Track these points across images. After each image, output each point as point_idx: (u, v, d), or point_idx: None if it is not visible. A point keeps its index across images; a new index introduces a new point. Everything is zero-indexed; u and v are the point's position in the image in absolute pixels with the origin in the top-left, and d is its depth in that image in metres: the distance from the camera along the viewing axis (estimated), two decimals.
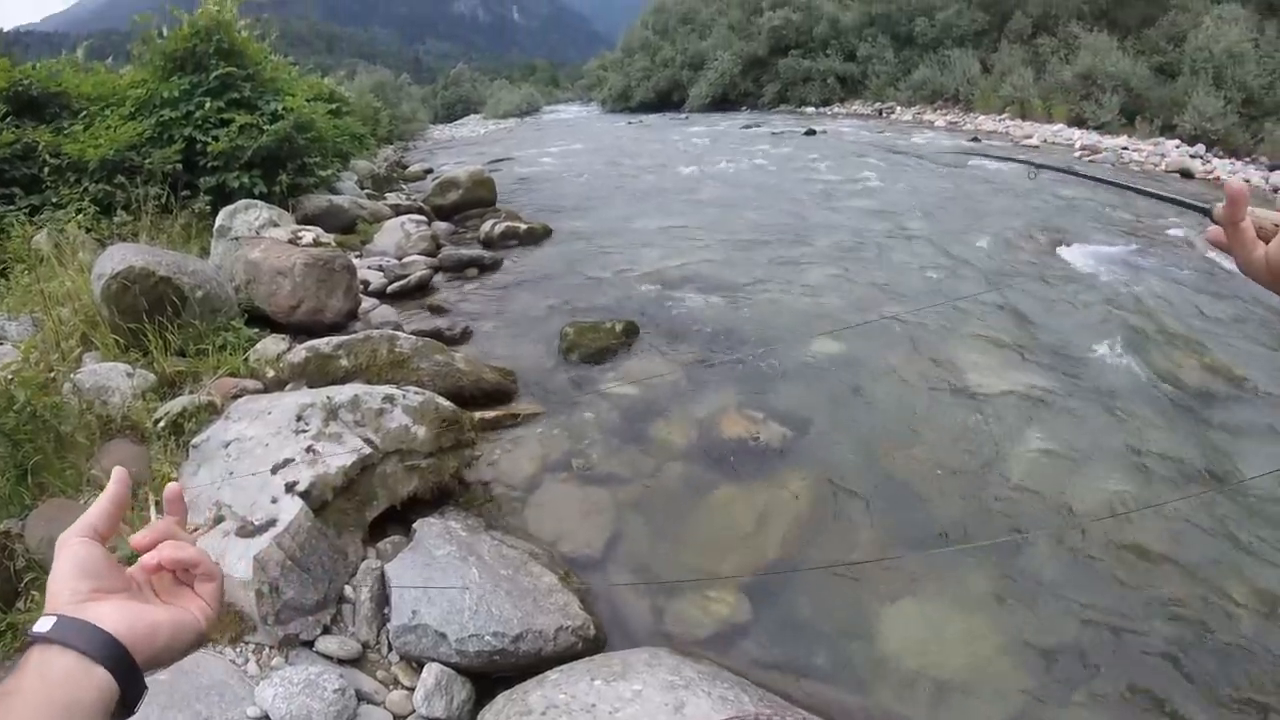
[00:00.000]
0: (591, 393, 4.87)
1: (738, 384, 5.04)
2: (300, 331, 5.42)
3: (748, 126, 22.69)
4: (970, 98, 25.43)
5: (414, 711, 2.71)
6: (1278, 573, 3.64)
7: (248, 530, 2.98)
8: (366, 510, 3.43)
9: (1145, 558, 3.71)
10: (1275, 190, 15.22)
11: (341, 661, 2.81)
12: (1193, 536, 3.87)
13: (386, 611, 3.03)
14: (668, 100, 38.25)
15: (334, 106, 12.80)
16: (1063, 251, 8.53)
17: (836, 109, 30.41)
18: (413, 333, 5.38)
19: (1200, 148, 17.49)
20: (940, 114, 25.31)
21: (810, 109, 30.94)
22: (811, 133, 19.58)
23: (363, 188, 12.25)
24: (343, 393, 3.78)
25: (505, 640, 2.85)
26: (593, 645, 2.99)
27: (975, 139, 19.15)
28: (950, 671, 3.10)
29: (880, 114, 27.62)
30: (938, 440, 4.55)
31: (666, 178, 12.92)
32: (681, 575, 3.48)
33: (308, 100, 9.79)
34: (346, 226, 8.91)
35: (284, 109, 8.64)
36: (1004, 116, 23.03)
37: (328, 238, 7.00)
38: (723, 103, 34.68)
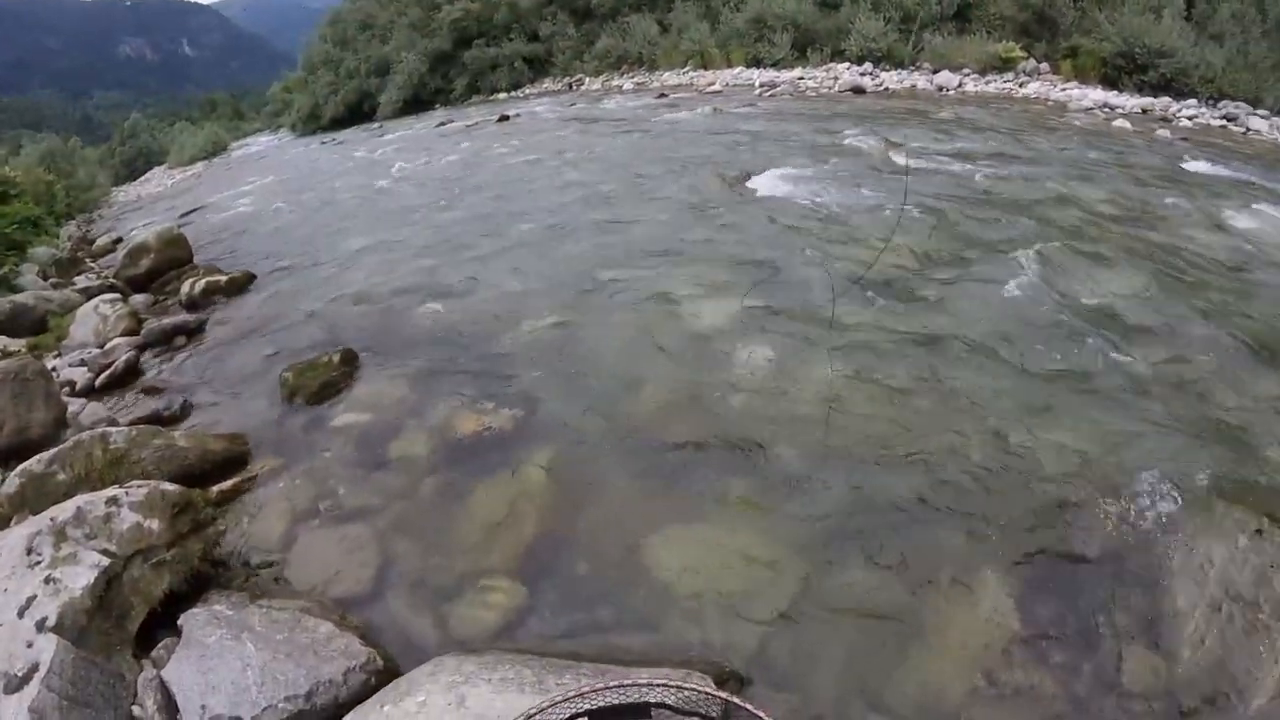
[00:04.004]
0: (325, 431, 4.69)
1: (463, 383, 5.05)
2: (11, 457, 4.79)
3: (442, 124, 22.39)
4: (654, 58, 26.54)
5: None
6: (994, 410, 4.27)
7: (13, 684, 2.73)
8: (128, 623, 3.20)
9: (878, 427, 4.19)
10: (940, 89, 17.15)
11: None
12: (915, 397, 4.44)
13: (179, 718, 2.85)
14: (359, 112, 36.85)
15: None
16: (753, 180, 9.20)
17: (528, 90, 30.74)
18: (129, 423, 4.93)
19: (869, 65, 19.38)
20: (627, 77, 26.25)
21: (502, 95, 31.07)
22: (505, 118, 19.64)
23: (46, 277, 10.92)
24: (65, 510, 3.44)
25: (299, 701, 2.80)
26: (385, 675, 2.97)
27: (663, 94, 20.00)
28: (730, 583, 3.33)
29: (570, 88, 28.20)
30: (666, 380, 4.84)
31: (364, 194, 12.52)
32: (454, 580, 3.48)
33: None
34: (36, 325, 7.95)
35: None
36: (687, 69, 24.26)
37: (17, 344, 6.26)
38: (415, 104, 33.90)
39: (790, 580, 3.32)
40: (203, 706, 2.80)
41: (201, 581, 3.55)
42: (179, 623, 3.20)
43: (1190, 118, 14.57)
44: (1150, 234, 7.01)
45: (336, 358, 5.42)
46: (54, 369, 6.07)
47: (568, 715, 2.03)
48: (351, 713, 2.74)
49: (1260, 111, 14.98)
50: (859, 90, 17.36)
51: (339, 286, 7.37)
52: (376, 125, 31.31)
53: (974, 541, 3.43)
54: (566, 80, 29.47)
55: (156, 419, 5.19)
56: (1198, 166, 9.88)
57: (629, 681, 2.10)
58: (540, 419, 4.55)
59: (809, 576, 3.33)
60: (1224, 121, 14.44)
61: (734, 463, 4.02)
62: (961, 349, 4.93)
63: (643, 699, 2.07)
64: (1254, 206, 8.00)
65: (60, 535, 3.34)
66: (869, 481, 3.80)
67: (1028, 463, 3.86)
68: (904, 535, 3.48)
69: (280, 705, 2.77)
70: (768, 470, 3.94)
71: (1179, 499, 3.55)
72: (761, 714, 1.95)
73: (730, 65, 22.74)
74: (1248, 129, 14.01)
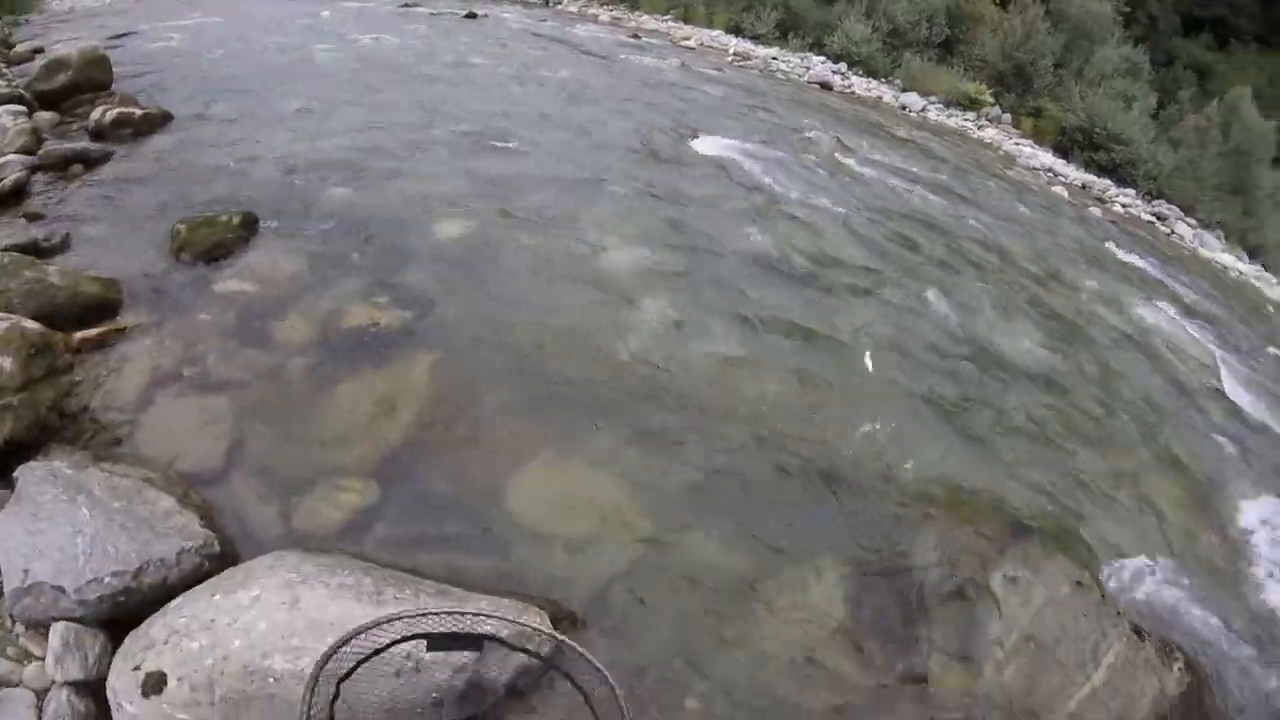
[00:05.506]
0: (206, 294, 4.44)
1: (361, 272, 4.88)
2: None
3: (406, 4, 21.43)
4: None
5: (53, 681, 2.48)
6: (875, 418, 4.44)
7: None
8: None
9: (761, 408, 4.29)
10: (903, 108, 17.45)
11: None
12: (803, 389, 4.58)
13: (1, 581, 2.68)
14: None
15: None
16: (701, 141, 9.12)
17: None
18: (2, 248, 4.58)
19: (843, 66, 19.62)
20: (606, 9, 25.55)
21: None
22: (472, 15, 18.82)
23: None
24: None
25: (126, 578, 2.65)
26: (220, 561, 2.85)
27: (635, 35, 19.58)
28: (583, 526, 3.37)
29: (546, 3, 27.28)
30: (566, 313, 4.83)
31: (307, 57, 11.81)
32: (308, 473, 3.39)
33: None
34: None
35: None
36: (667, 17, 23.81)
37: None
38: None
39: (641, 534, 3.39)
40: (25, 570, 2.63)
41: (46, 432, 3.34)
42: (14, 475, 3.00)
43: (1124, 205, 15.36)
44: (1058, 297, 7.35)
45: (236, 219, 5.12)
46: None
47: (399, 636, 2.00)
48: (180, 597, 2.63)
49: (1190, 220, 15.95)
50: (826, 86, 17.49)
51: (257, 147, 6.97)
52: None
53: (821, 532, 3.56)
54: None
55: (33, 248, 4.83)
56: (1117, 251, 10.40)
57: (464, 610, 2.09)
58: (431, 325, 4.45)
59: (660, 533, 3.41)
60: (1153, 218, 15.32)
61: (613, 410, 4.04)
62: (858, 355, 5.07)
63: (475, 629, 2.06)
64: (1156, 302, 8.53)
65: None
66: (738, 457, 3.90)
67: (893, 473, 4.03)
68: (758, 513, 3.59)
69: (107, 580, 2.63)
70: (644, 425, 3.98)
71: (1020, 537, 3.79)
72: (590, 658, 1.97)
73: (711, 25, 22.49)
74: (1172, 231, 14.89)
